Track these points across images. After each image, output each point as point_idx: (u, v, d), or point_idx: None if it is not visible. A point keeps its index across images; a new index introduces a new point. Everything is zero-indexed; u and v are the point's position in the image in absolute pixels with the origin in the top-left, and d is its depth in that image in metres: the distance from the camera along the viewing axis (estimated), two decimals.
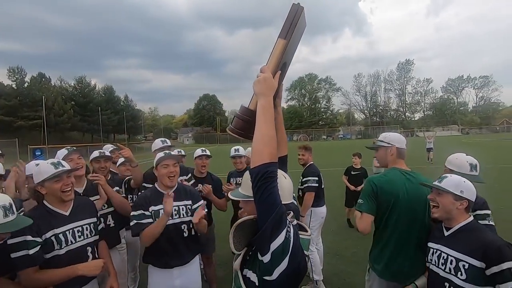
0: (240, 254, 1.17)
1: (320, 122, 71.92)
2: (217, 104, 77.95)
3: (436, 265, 1.71)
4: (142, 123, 64.01)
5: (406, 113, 76.43)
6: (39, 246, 1.69)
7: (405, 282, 1.92)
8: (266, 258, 1.05)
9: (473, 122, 64.66)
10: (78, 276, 1.76)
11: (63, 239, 1.81)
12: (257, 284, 1.09)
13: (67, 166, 1.89)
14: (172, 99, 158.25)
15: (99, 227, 2.13)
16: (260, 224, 1.06)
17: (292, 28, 1.19)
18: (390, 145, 2.15)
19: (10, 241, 1.63)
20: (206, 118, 74.09)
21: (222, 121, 71.21)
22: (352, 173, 5.84)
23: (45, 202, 1.87)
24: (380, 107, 77.27)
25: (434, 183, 1.74)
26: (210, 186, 3.14)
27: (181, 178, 3.03)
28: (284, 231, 1.07)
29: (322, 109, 76.43)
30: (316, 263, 3.45)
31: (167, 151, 2.34)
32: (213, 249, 3.43)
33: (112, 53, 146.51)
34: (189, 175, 3.18)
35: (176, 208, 2.21)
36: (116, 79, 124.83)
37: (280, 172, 1.18)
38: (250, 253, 1.17)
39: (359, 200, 2.05)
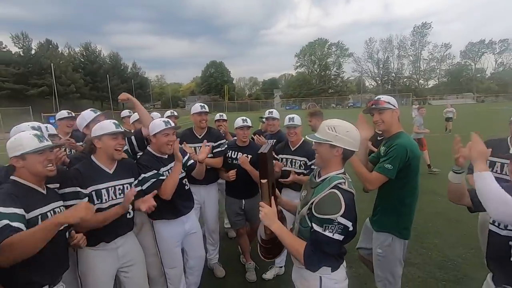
0: (307, 205, 1.55)
1: (329, 90, 70.28)
2: (224, 72, 76.29)
3: (502, 228, 1.56)
4: (150, 91, 63.63)
5: (420, 81, 73.87)
6: (87, 197, 1.89)
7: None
8: None
9: (490, 89, 62.18)
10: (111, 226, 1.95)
11: (105, 194, 1.97)
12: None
13: (122, 129, 2.09)
14: (178, 66, 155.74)
15: (137, 189, 2.16)
16: None
17: (266, 169, 1.59)
18: (395, 108, 2.14)
19: (61, 191, 1.85)
20: (213, 86, 72.98)
21: (230, 89, 70.20)
22: (378, 138, 5.86)
23: (93, 157, 2.04)
24: (393, 74, 74.66)
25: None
26: (245, 156, 3.06)
27: (210, 143, 3.08)
28: None
29: (332, 76, 74.29)
30: None
31: (166, 120, 2.39)
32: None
33: (114, 18, 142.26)
34: (223, 141, 3.25)
35: None
36: (120, 45, 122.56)
37: (349, 125, 1.58)
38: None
39: (388, 166, 2.00)
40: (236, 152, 3.18)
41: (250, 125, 3.17)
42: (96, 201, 1.94)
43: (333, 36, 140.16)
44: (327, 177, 1.55)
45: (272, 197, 1.63)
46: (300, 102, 60.43)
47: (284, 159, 3.11)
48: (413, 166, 2.03)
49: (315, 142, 1.58)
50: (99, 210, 1.93)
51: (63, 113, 3.45)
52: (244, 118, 3.20)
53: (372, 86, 78.10)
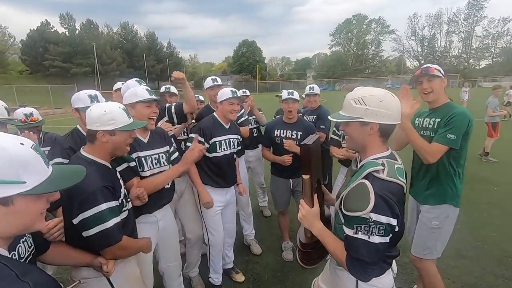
0: (339, 198, 1.27)
1: (366, 71, 66.56)
2: (256, 51, 74.93)
3: None
4: (184, 70, 64.78)
5: (470, 60, 66.98)
6: (134, 162, 1.85)
7: None
8: None
9: None
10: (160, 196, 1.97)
11: (145, 163, 1.92)
12: None
13: (155, 96, 1.96)
14: (210, 45, 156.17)
15: (173, 157, 2.17)
16: None
17: (309, 164, 1.39)
18: (444, 78, 2.06)
19: None
20: (245, 65, 72.21)
21: (262, 69, 69.20)
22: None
23: None
24: (438, 53, 68.41)
25: None
26: (292, 135, 2.92)
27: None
28: None
29: (370, 56, 70.02)
30: None
31: (233, 90, 2.50)
32: None
33: None
34: (242, 111, 3.30)
35: (232, 140, 2.60)
36: (155, 25, 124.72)
37: (383, 91, 1.24)
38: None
39: (451, 136, 1.91)
40: (283, 130, 2.97)
41: (297, 98, 2.93)
42: (138, 169, 1.90)
43: (372, 12, 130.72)
44: (364, 164, 1.25)
45: (316, 196, 1.40)
46: (334, 83, 58.10)
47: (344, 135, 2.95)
48: (469, 134, 1.99)
49: (341, 121, 1.29)
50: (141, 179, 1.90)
51: (119, 84, 3.29)
52: (291, 91, 2.98)
53: (413, 67, 72.38)
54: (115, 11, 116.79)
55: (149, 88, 1.96)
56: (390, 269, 1.32)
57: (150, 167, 1.95)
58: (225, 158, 2.56)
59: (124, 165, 1.82)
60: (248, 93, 4.03)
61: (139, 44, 54.35)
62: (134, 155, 1.88)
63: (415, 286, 2.55)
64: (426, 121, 2.12)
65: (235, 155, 2.68)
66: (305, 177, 1.36)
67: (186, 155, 1.95)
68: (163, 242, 2.14)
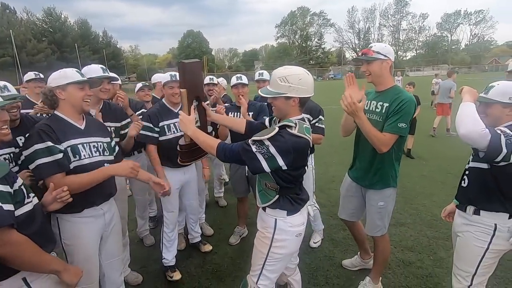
0: None
1: (310, 61, 69.72)
2: (203, 42, 73.07)
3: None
4: (124, 62, 60.02)
5: (399, 52, 74.59)
6: (63, 153, 1.61)
7: None
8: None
9: (463, 61, 63.92)
10: (101, 190, 1.76)
11: (82, 150, 1.71)
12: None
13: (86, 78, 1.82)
14: (153, 36, 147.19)
15: (116, 150, 1.98)
16: None
17: (183, 79, 1.82)
18: (387, 58, 1.98)
19: (29, 150, 1.55)
20: (191, 57, 69.62)
21: (209, 60, 67.83)
22: None
23: (57, 112, 1.73)
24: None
25: (480, 95, 1.69)
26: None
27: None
28: None
29: (313, 48, 73.43)
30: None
31: (172, 73, 2.54)
32: None
33: None
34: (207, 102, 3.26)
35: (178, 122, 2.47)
36: (86, 12, 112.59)
37: (300, 70, 1.56)
38: None
39: (402, 124, 1.92)
40: (235, 113, 2.96)
41: (246, 82, 2.94)
42: (73, 158, 1.66)
43: (315, 5, 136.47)
44: (282, 122, 1.57)
45: (193, 107, 1.82)
46: None
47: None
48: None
49: (270, 96, 1.57)
50: (78, 168, 1.66)
51: (30, 74, 3.24)
52: (239, 75, 2.97)
53: (352, 58, 78.09)
54: None
55: (78, 71, 1.80)
56: (304, 212, 1.69)
57: (88, 154, 1.73)
58: (177, 140, 2.35)
59: (48, 159, 1.55)
60: (215, 80, 3.72)
61: (69, 33, 48.62)
62: (65, 144, 1.64)
63: (359, 253, 2.75)
64: (373, 104, 2.10)
65: None
66: (182, 90, 1.72)
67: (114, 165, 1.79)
68: (108, 236, 1.93)
